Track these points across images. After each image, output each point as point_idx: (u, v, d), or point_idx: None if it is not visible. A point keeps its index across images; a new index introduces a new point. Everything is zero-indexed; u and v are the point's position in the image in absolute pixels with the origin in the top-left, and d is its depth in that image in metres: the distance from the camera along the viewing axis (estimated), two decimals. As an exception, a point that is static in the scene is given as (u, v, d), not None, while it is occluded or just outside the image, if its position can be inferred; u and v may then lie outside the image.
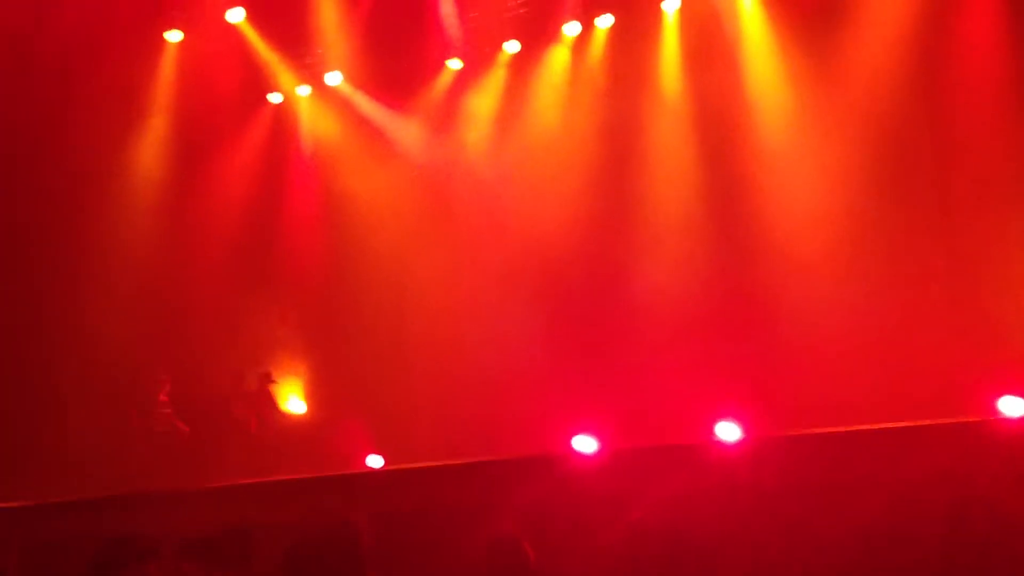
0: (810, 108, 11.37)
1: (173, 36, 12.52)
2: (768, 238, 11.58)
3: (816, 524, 5.41)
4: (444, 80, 13.14)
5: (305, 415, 13.02)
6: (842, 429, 6.27)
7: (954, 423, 5.92)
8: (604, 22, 12.44)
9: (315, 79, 13.52)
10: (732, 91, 11.62)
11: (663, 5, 12.03)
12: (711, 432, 6.79)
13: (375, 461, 9.48)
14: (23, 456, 10.71)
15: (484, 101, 12.99)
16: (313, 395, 13.05)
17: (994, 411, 6.20)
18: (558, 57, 12.74)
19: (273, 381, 12.31)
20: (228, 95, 12.90)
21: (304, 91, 13.77)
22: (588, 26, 12.55)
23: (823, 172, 11.25)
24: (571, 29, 12.60)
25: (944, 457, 5.42)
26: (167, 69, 12.62)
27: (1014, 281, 9.51)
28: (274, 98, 13.72)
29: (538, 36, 12.72)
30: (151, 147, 12.64)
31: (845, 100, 11.19)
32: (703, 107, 11.85)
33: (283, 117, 13.84)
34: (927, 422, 6.00)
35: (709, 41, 11.73)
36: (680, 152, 11.87)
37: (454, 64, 13.12)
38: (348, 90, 13.39)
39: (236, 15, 12.44)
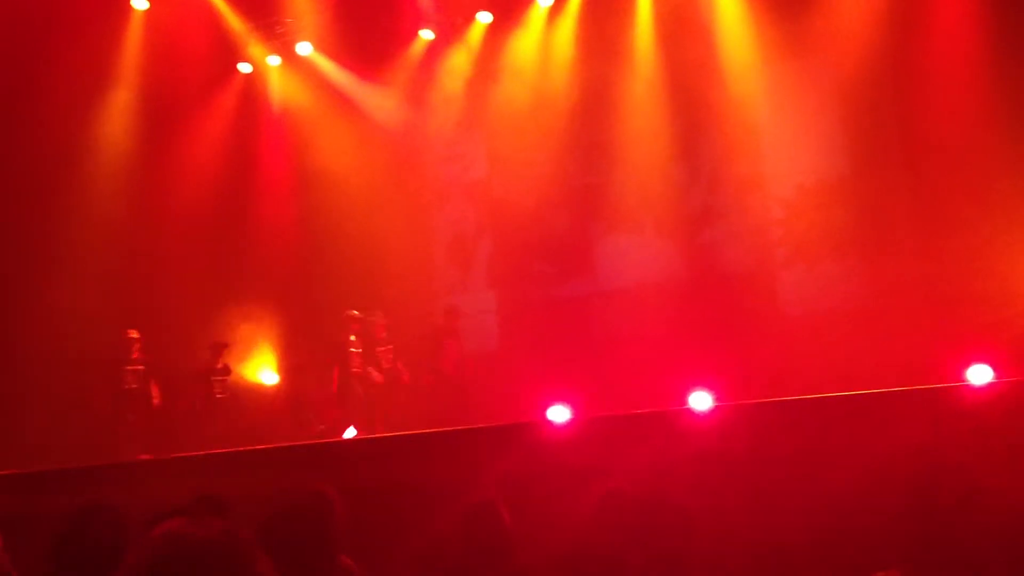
0: (784, 83, 11.41)
1: (140, 4, 12.30)
2: (741, 210, 11.65)
3: (787, 491, 5.46)
4: (416, 50, 13.05)
5: (277, 386, 12.99)
6: (811, 396, 6.31)
7: (922, 390, 5.97)
8: (577, -8, 12.38)
9: (285, 49, 13.40)
10: (707, 65, 11.59)
11: (637, -24, 11.98)
12: (683, 401, 6.83)
13: (349, 432, 9.48)
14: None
15: (456, 71, 12.91)
16: (285, 366, 13.01)
17: (962, 379, 6.27)
18: (530, 29, 12.67)
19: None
20: (197, 65, 12.73)
21: (274, 61, 13.64)
22: (561, -3, 12.49)
23: (796, 146, 11.32)
24: (544, 0, 12.52)
25: (913, 424, 5.48)
26: (134, 38, 12.41)
27: (981, 253, 9.61)
28: (244, 68, 13.57)
29: (511, 7, 12.65)
30: (118, 118, 12.45)
31: (819, 74, 11.25)
32: (677, 80, 11.82)
33: (253, 87, 13.70)
34: (896, 389, 6.06)
35: (683, 14, 11.70)
36: (654, 125, 11.85)
37: (426, 34, 13.03)
38: (319, 60, 13.28)
39: (204, -17, 12.27)
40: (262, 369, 13.01)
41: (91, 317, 11.46)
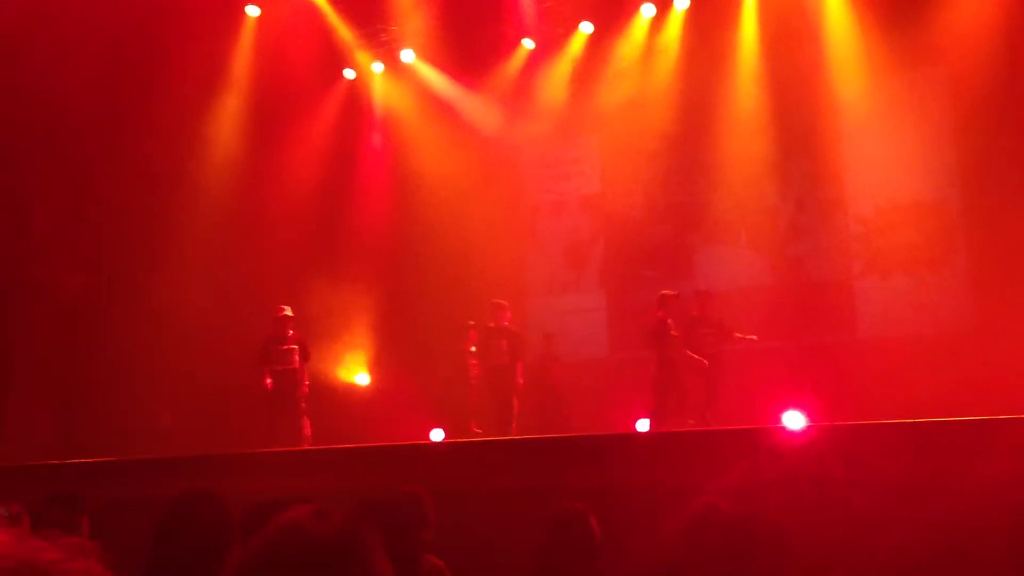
0: (893, 93, 11.19)
1: (252, 11, 12.67)
2: (846, 225, 11.52)
3: (886, 519, 5.31)
4: (518, 59, 13.13)
5: (369, 387, 13.20)
6: (908, 421, 6.13)
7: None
8: (681, 4, 12.29)
9: (389, 56, 13.63)
10: (813, 75, 11.46)
11: (742, -14, 11.84)
12: (777, 420, 6.72)
13: (436, 435, 9.57)
14: (102, 418, 11.07)
15: (557, 81, 12.96)
16: (378, 369, 13.20)
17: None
18: (633, 39, 12.63)
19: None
20: (304, 70, 13.03)
21: (378, 68, 13.88)
22: (664, 8, 12.41)
23: (905, 160, 11.09)
24: (647, 11, 12.47)
25: (1018, 454, 5.28)
26: (245, 44, 12.78)
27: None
28: (349, 74, 13.85)
29: (613, 17, 12.64)
30: (228, 120, 12.79)
31: (928, 85, 10.99)
32: (783, 91, 11.73)
33: (357, 93, 13.97)
34: (1000, 416, 5.84)
35: (790, 23, 11.53)
36: (758, 138, 11.76)
37: (528, 44, 13.10)
38: (421, 67, 13.47)
39: (313, -9, 12.56)
40: (356, 371, 13.23)
41: (198, 312, 11.79)
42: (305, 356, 10.52)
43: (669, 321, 9.72)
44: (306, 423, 10.19)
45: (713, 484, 5.19)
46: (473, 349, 11.03)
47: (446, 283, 12.77)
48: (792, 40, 11.56)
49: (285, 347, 10.36)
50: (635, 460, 6.42)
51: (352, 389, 13.13)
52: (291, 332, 10.48)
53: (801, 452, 5.94)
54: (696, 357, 9.74)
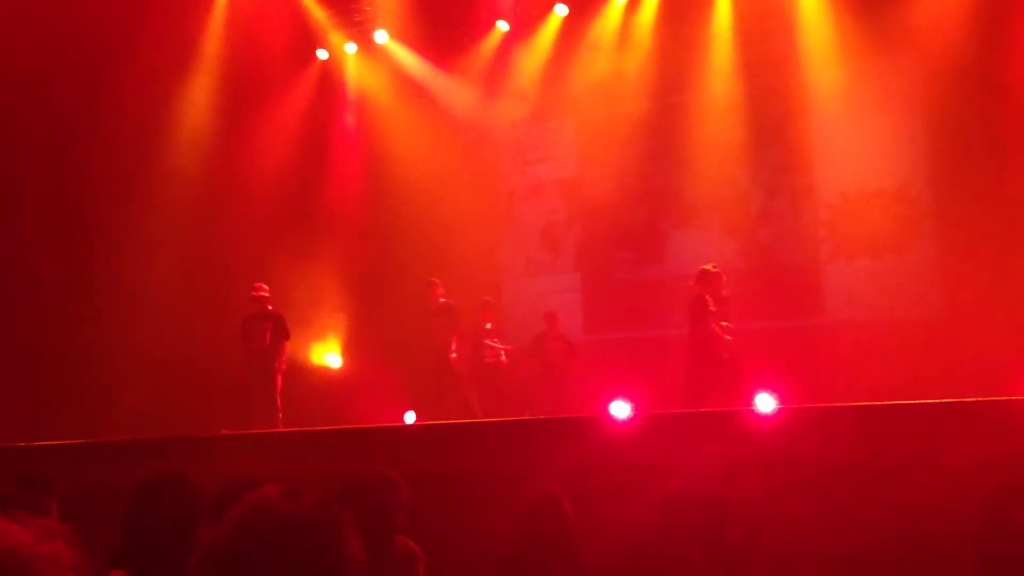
0: (865, 80, 11.26)
1: (224, -11, 12.52)
2: (815, 211, 11.61)
3: (855, 500, 5.37)
4: (492, 40, 13.07)
5: (341, 369, 13.17)
6: (881, 403, 6.19)
7: (996, 401, 5.82)
8: (656, -12, 12.28)
9: (363, 36, 13.53)
10: (786, 62, 11.52)
11: (718, -29, 11.83)
12: (748, 402, 6.78)
13: (409, 417, 9.57)
14: (74, 400, 10.95)
15: (531, 63, 12.92)
16: (350, 351, 13.16)
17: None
18: (608, 22, 12.61)
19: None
20: (276, 50, 12.91)
21: (351, 48, 13.78)
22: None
23: (875, 147, 11.18)
24: (621, -7, 12.46)
25: (987, 437, 5.35)
26: (217, 23, 12.61)
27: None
28: (322, 55, 13.74)
29: (588, 0, 12.61)
30: (199, 100, 12.60)
31: (900, 73, 11.07)
32: (756, 78, 11.79)
33: (330, 74, 13.87)
34: (966, 400, 5.91)
35: (764, 10, 11.58)
36: (730, 124, 11.82)
37: (502, 25, 13.04)
38: (395, 48, 13.38)
39: (286, -30, 12.43)
40: (328, 352, 13.20)
41: (170, 292, 11.66)
42: (282, 334, 10.50)
43: (707, 297, 9.50)
44: (278, 404, 10.18)
45: (683, 465, 5.23)
46: (489, 326, 11.56)
47: (420, 265, 12.73)
48: (766, 27, 11.60)
49: (258, 325, 10.40)
50: (609, 442, 6.44)
51: (324, 371, 13.11)
52: (269, 308, 10.54)
53: (771, 434, 5.98)
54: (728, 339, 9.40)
